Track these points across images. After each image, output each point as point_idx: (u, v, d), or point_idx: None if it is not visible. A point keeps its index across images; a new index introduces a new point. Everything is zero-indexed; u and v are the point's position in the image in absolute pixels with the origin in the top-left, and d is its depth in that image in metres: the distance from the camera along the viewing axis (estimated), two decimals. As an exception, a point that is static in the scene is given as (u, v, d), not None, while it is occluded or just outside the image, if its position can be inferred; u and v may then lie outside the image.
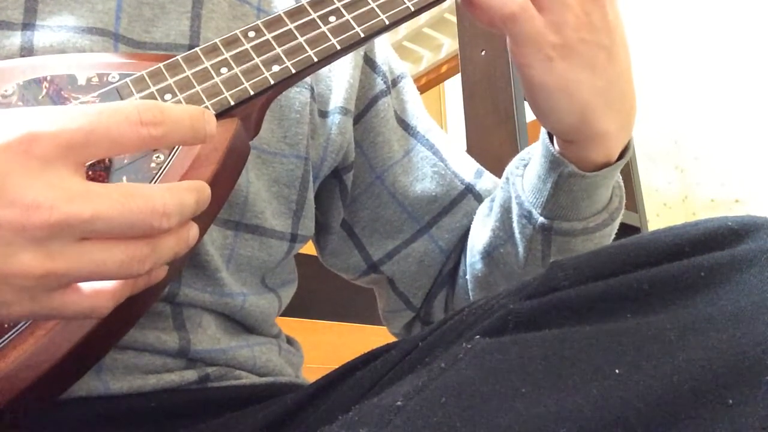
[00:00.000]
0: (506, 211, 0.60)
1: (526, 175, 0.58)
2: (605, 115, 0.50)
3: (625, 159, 0.55)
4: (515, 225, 0.59)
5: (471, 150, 1.64)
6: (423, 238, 0.68)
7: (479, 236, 0.64)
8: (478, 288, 0.66)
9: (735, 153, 1.90)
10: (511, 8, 0.47)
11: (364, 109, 0.67)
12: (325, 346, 1.45)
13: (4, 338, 0.39)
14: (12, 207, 0.32)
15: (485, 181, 0.70)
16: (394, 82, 0.71)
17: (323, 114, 0.63)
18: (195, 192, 0.37)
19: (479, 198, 0.68)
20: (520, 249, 0.59)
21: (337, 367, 0.49)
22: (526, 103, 1.45)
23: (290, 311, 0.77)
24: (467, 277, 0.67)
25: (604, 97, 0.50)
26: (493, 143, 1.58)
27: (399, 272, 0.69)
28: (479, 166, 0.72)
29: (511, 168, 0.61)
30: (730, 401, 0.28)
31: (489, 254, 0.63)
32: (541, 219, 0.56)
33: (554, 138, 0.54)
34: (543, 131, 0.55)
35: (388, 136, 0.68)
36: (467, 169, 0.70)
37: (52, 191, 0.33)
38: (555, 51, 0.47)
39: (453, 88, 2.81)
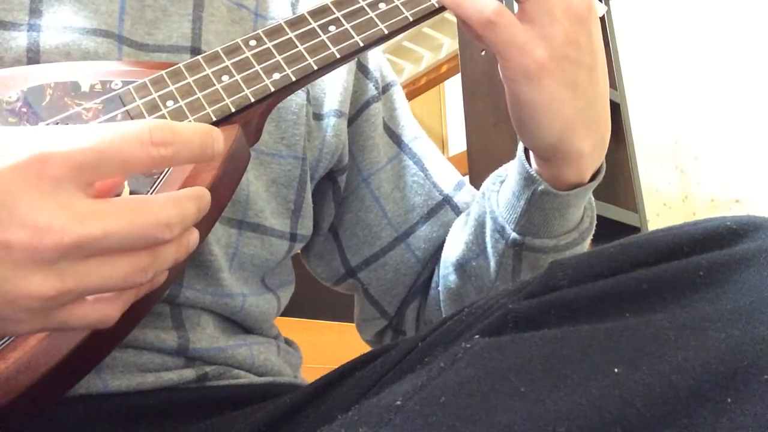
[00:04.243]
0: (480, 225, 0.61)
1: (502, 191, 0.59)
2: (583, 135, 0.51)
3: (597, 180, 0.55)
4: (488, 239, 0.60)
5: (471, 150, 1.64)
6: (400, 246, 0.68)
7: (453, 249, 0.65)
8: (449, 300, 0.66)
9: (735, 153, 1.90)
10: (486, 15, 0.47)
11: (356, 113, 0.68)
12: (325, 346, 1.45)
13: (4, 339, 0.39)
14: (24, 229, 0.32)
15: (464, 194, 0.70)
16: (385, 89, 0.72)
17: (318, 117, 0.64)
18: (196, 200, 0.37)
19: (457, 210, 0.69)
20: (492, 263, 0.60)
21: (336, 367, 0.49)
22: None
23: (290, 311, 0.77)
24: (439, 288, 0.67)
25: (583, 118, 0.50)
26: (493, 143, 1.58)
27: (375, 280, 0.69)
28: (461, 178, 0.72)
29: (487, 184, 0.61)
30: (729, 400, 0.28)
31: (462, 267, 0.63)
32: (513, 234, 0.57)
33: (530, 155, 0.55)
34: (520, 148, 0.56)
35: (377, 141, 0.68)
36: (448, 180, 0.71)
37: (63, 213, 0.33)
38: (541, 66, 0.47)
39: (453, 88, 2.81)
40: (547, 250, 0.57)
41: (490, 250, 0.60)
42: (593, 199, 0.60)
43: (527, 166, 0.55)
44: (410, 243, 0.68)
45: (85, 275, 0.34)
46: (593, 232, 0.60)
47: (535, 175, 0.54)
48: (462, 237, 0.64)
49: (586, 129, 0.51)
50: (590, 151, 0.52)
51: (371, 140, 0.68)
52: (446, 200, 0.69)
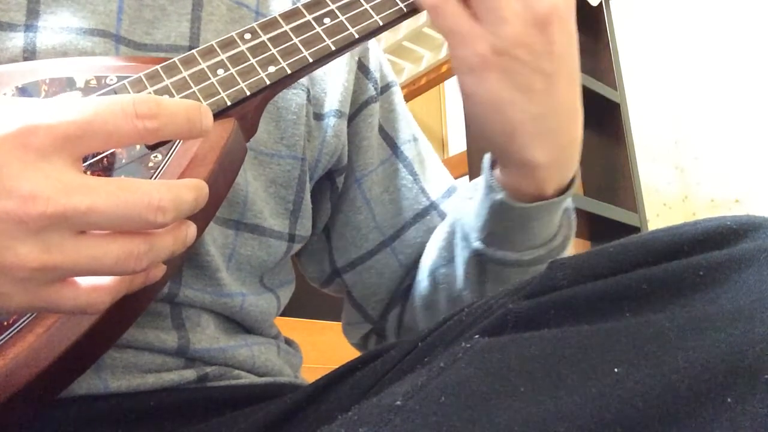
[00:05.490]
0: (452, 232, 0.60)
1: (474, 198, 0.57)
2: (535, 144, 0.49)
3: (564, 196, 0.53)
4: (456, 247, 0.59)
5: (471, 150, 1.65)
6: (385, 250, 0.68)
7: (428, 255, 0.65)
8: (423, 307, 0.66)
9: (735, 153, 1.90)
10: (427, 1, 0.47)
11: (354, 112, 0.67)
12: (325, 346, 1.45)
13: (2, 336, 0.39)
14: (9, 198, 0.32)
15: (454, 201, 0.69)
16: (383, 90, 0.71)
17: (318, 117, 0.63)
18: (194, 190, 0.37)
19: (444, 216, 0.68)
20: (460, 272, 0.59)
21: (336, 367, 0.49)
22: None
23: (290, 311, 0.76)
24: (415, 295, 0.67)
25: (537, 125, 0.48)
26: (493, 143, 1.57)
27: (360, 283, 0.69)
28: (453, 184, 0.71)
29: (463, 190, 0.61)
30: (729, 400, 0.28)
31: (432, 273, 0.63)
32: (476, 244, 0.56)
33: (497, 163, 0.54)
34: (487, 156, 0.55)
35: (372, 142, 0.68)
36: (438, 186, 0.70)
37: (49, 183, 0.33)
38: (483, 60, 0.46)
39: (453, 88, 2.81)
40: (508, 264, 0.56)
41: (458, 258, 0.59)
42: (573, 216, 0.58)
43: (489, 173, 0.54)
44: (395, 248, 0.68)
45: (73, 251, 0.34)
46: (567, 251, 0.58)
47: (495, 183, 0.53)
48: (436, 243, 0.63)
49: (541, 138, 0.49)
50: (546, 163, 0.50)
51: (367, 141, 0.67)
52: (433, 206, 0.68)
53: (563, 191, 0.53)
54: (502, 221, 0.54)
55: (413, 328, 0.68)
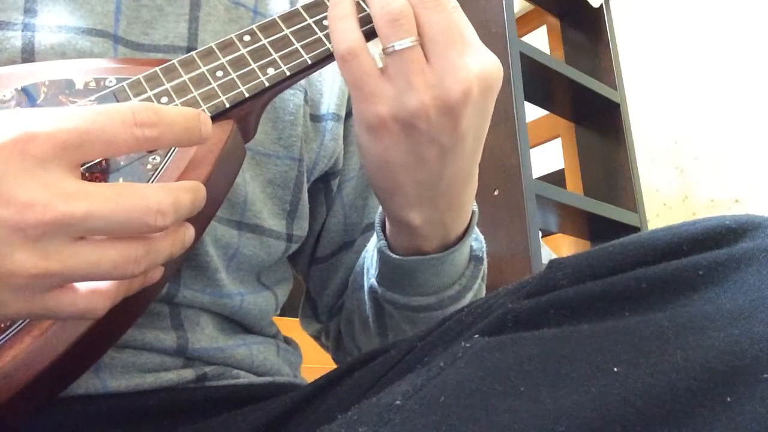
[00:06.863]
0: (363, 260, 0.61)
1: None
2: (413, 206, 0.49)
3: (447, 254, 0.53)
4: (363, 276, 0.60)
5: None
6: (345, 251, 0.68)
7: (355, 271, 0.65)
8: (345, 322, 0.67)
9: (735, 153, 1.90)
10: (339, 50, 0.44)
11: (344, 116, 0.67)
12: (325, 347, 1.45)
13: (0, 338, 0.39)
14: (7, 206, 0.32)
15: None
16: None
17: (315, 118, 0.63)
18: (191, 192, 0.37)
19: None
20: (366, 299, 0.60)
21: (336, 367, 0.49)
22: (526, 103, 1.45)
23: (289, 311, 0.77)
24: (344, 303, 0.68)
25: (420, 190, 0.48)
26: (493, 143, 1.57)
27: (317, 278, 0.70)
28: None
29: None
30: (729, 399, 0.28)
31: (353, 291, 0.64)
32: (372, 280, 0.57)
33: None
34: None
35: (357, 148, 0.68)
36: None
37: (47, 190, 0.33)
38: (381, 122, 0.45)
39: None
40: (398, 306, 0.56)
41: (365, 286, 0.60)
42: (483, 266, 0.58)
43: (379, 220, 0.55)
44: (353, 249, 0.68)
45: (70, 257, 0.33)
46: (466, 300, 0.57)
47: (379, 230, 0.54)
48: (359, 263, 0.64)
49: (420, 201, 0.49)
50: (422, 224, 0.50)
51: (352, 146, 0.67)
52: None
53: (451, 246, 0.53)
54: (387, 266, 0.55)
55: (352, 345, 0.69)
